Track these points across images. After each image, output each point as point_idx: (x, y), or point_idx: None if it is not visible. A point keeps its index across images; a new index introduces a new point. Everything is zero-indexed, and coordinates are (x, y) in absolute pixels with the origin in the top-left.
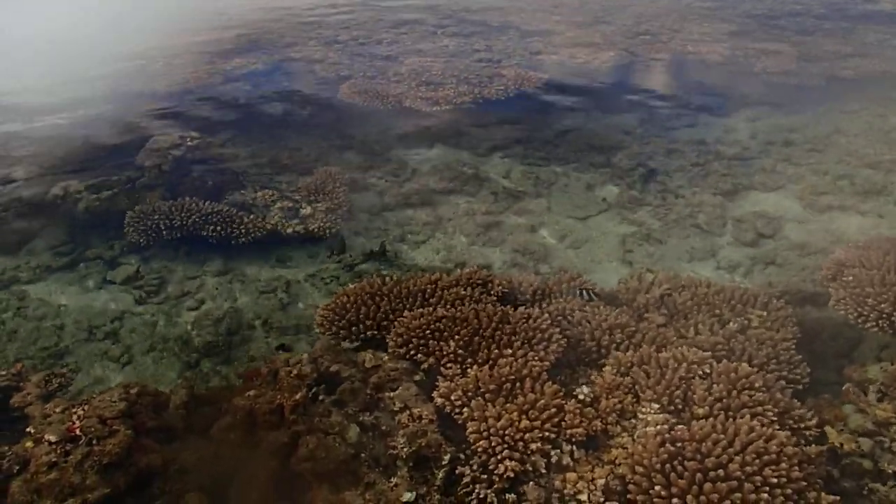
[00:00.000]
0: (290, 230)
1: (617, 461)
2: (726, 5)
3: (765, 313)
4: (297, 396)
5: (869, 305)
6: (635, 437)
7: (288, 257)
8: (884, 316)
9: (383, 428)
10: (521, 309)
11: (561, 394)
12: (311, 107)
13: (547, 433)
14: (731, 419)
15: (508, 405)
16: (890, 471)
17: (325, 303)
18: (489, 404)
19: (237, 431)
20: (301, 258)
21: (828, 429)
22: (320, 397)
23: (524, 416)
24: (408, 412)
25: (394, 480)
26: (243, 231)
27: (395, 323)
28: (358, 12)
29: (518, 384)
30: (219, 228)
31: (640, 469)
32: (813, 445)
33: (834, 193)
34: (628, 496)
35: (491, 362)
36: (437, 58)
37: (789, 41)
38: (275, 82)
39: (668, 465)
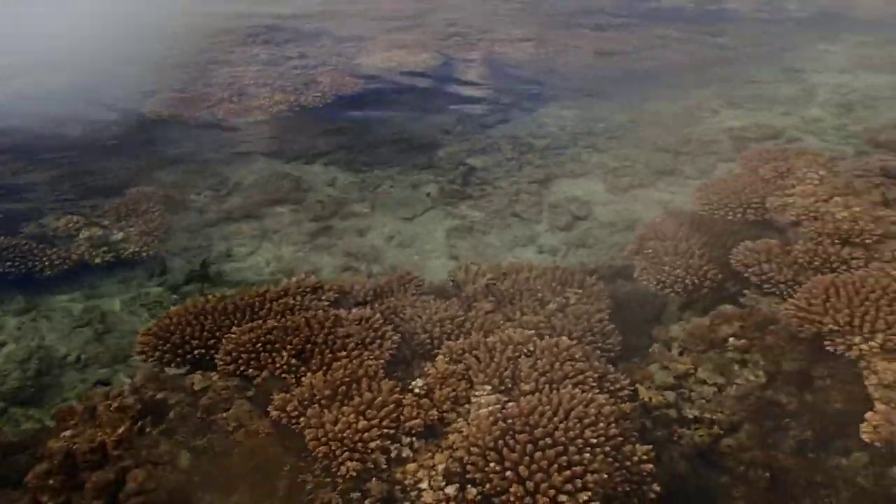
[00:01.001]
0: (99, 259)
1: (454, 445)
2: (528, 7)
3: (581, 290)
4: (120, 430)
5: (666, 273)
6: (470, 420)
7: (101, 286)
8: (679, 280)
9: (217, 449)
10: (355, 311)
11: (398, 389)
12: (116, 126)
13: (386, 430)
14: (555, 390)
15: (345, 408)
16: (691, 416)
17: (146, 328)
18: (326, 410)
19: (56, 476)
20: (116, 285)
21: (639, 387)
22: (147, 429)
23: (362, 417)
24: (243, 430)
25: (234, 498)
26: (47, 263)
27: (223, 340)
28: None
29: (354, 385)
30: (17, 264)
31: (475, 449)
32: (627, 403)
33: (633, 175)
34: (467, 476)
35: (325, 367)
36: (248, 66)
37: (587, 38)
38: (68, 103)
39: (500, 441)
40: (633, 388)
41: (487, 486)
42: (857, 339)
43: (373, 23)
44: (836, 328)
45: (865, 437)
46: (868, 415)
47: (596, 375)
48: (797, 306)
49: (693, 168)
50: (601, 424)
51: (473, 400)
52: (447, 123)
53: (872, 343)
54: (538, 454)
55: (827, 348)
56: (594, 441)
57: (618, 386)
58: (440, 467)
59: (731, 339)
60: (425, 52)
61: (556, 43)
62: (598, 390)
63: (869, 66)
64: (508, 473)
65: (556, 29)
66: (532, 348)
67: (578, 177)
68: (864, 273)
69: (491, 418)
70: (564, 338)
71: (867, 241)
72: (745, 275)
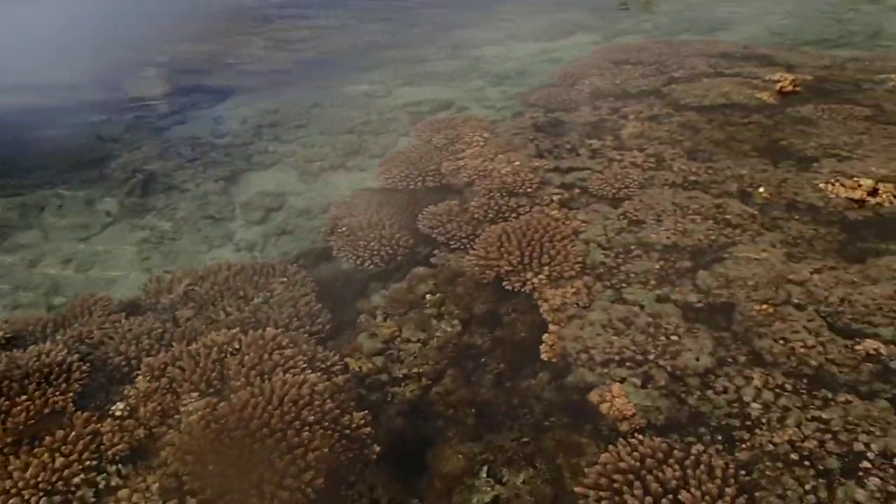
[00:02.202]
0: None
1: (168, 461)
2: (192, 10)
3: (285, 279)
4: None
5: (361, 247)
6: (181, 430)
7: None
8: (375, 252)
9: None
10: (32, 348)
11: (94, 418)
12: None
13: (88, 462)
14: (266, 380)
15: (36, 450)
16: (401, 375)
17: None
18: (12, 457)
19: None
20: None
21: (349, 359)
22: None
23: (58, 455)
24: None
25: None
26: None
27: None
28: None
29: (42, 426)
30: None
31: (190, 457)
32: (340, 377)
33: (322, 160)
34: (185, 487)
35: (4, 415)
36: None
37: (258, 31)
38: None
39: (216, 443)
40: (344, 361)
41: (208, 491)
42: (529, 275)
43: None
44: (510, 269)
45: (544, 357)
46: (544, 336)
47: (306, 358)
48: (477, 256)
49: (377, 146)
50: (316, 402)
51: (182, 410)
52: (114, 132)
53: (541, 276)
54: (257, 445)
55: (506, 287)
56: (312, 419)
57: (329, 363)
58: (154, 487)
59: (427, 296)
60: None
61: (227, 38)
62: (310, 371)
63: (519, 38)
64: (229, 472)
65: (225, 24)
66: (238, 346)
67: (268, 168)
68: (528, 217)
69: (202, 422)
70: (270, 328)
71: (529, 190)
72: (433, 236)
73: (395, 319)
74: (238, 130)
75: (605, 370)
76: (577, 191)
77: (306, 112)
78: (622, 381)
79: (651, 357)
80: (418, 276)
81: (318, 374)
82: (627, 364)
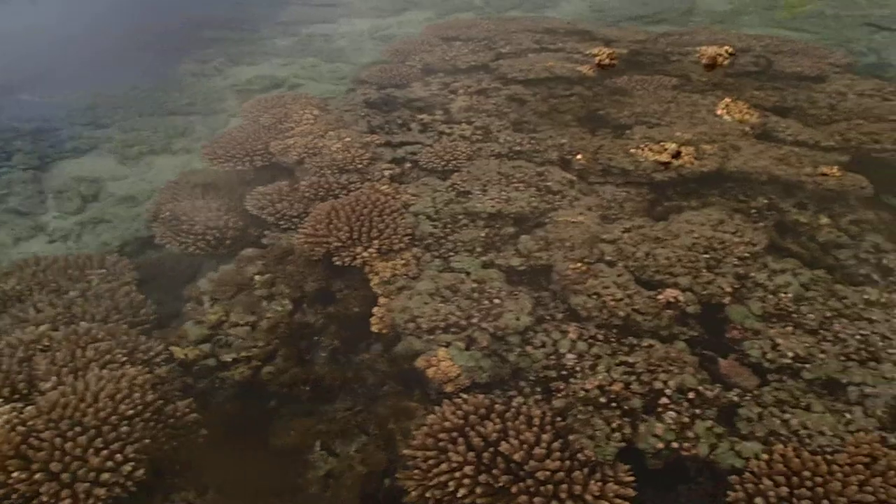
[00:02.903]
0: None
1: None
2: None
3: (103, 270)
4: None
5: (186, 231)
6: None
7: None
8: (201, 237)
9: None
10: None
11: None
12: None
13: None
14: (80, 377)
15: None
16: (229, 359)
17: None
18: None
19: None
20: None
21: (173, 348)
22: None
23: None
24: None
25: None
26: None
27: None
28: None
29: None
30: None
31: None
32: (164, 367)
33: (144, 144)
34: None
35: None
36: None
37: None
38: None
39: (23, 447)
40: (168, 350)
41: (14, 496)
42: (359, 250)
43: None
44: (340, 244)
45: (374, 329)
46: (374, 310)
47: (126, 350)
48: (306, 233)
49: (205, 128)
50: (136, 395)
51: None
52: None
53: (371, 250)
54: (69, 444)
55: (336, 263)
56: (131, 413)
57: (152, 354)
58: None
59: (256, 277)
60: None
61: None
62: (129, 364)
63: (352, 14)
64: (38, 476)
65: None
66: (48, 343)
67: (83, 154)
68: (358, 193)
69: (7, 427)
70: (83, 323)
71: (359, 166)
72: (263, 217)
73: (222, 304)
74: (47, 116)
75: (432, 337)
76: (408, 165)
77: (125, 94)
78: (447, 345)
79: (475, 321)
80: (247, 258)
81: (139, 366)
82: (452, 329)
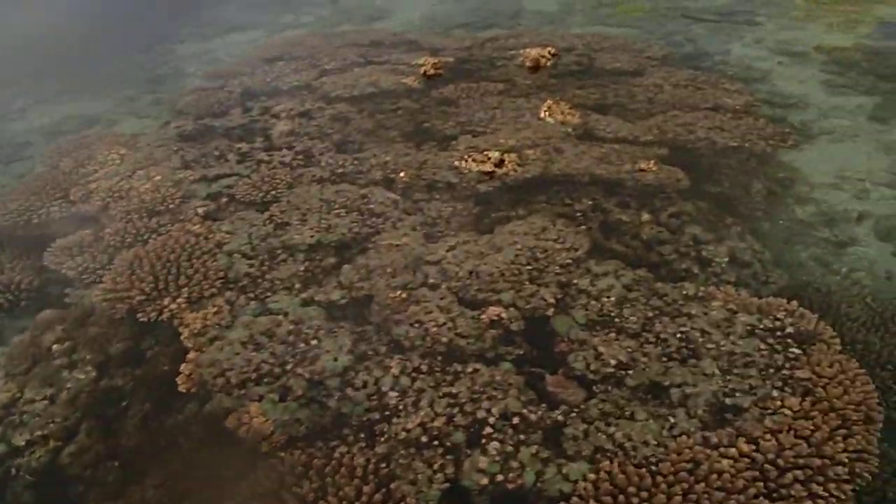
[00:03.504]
0: None
1: None
2: None
3: None
4: None
5: None
6: None
7: None
8: None
9: None
10: None
11: None
12: None
13: None
14: None
15: None
16: (23, 442)
17: None
18: None
19: None
20: None
21: None
22: None
23: None
24: None
25: None
26: None
27: None
28: None
29: None
30: None
31: None
32: None
33: None
34: None
35: None
36: None
37: None
38: None
39: None
40: None
41: None
42: (166, 301)
43: None
44: (144, 297)
45: (182, 389)
46: (182, 367)
47: None
48: (105, 289)
49: (5, 177)
50: None
51: None
52: None
53: (179, 300)
54: None
55: (142, 319)
56: None
57: None
58: None
59: (54, 346)
60: None
61: None
62: None
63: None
64: None
65: None
66: None
67: None
68: (165, 237)
69: None
70: None
71: (171, 206)
72: (64, 272)
73: (16, 380)
74: None
75: (243, 391)
76: (224, 200)
77: None
78: (260, 399)
79: (289, 367)
80: (45, 322)
81: None
82: (266, 380)
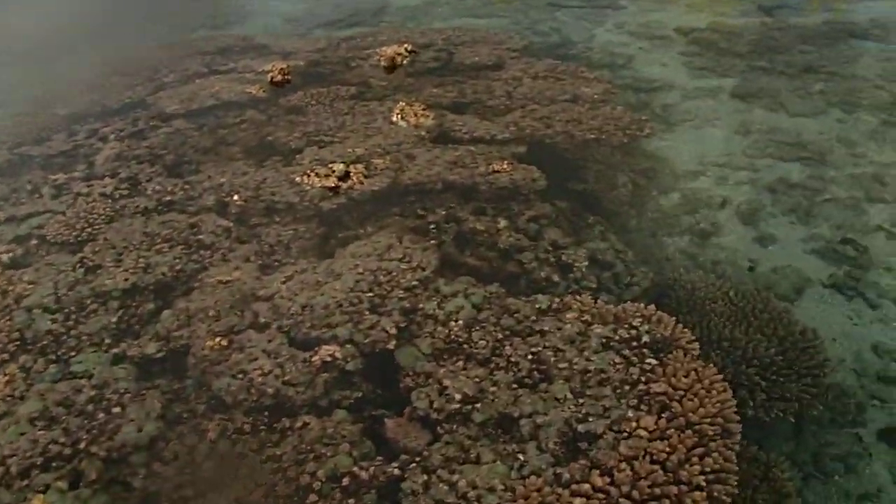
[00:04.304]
0: None
1: None
2: None
3: None
4: None
5: None
6: None
7: None
8: None
9: None
10: None
11: None
12: None
13: None
14: None
15: None
16: None
17: None
18: None
19: None
20: None
21: None
22: None
23: None
24: None
25: None
26: None
27: None
28: None
29: None
30: None
31: None
32: None
33: None
34: None
35: None
36: None
37: None
38: None
39: None
40: None
41: None
42: None
43: None
44: None
45: None
46: None
47: None
48: None
49: None
50: None
51: None
52: None
53: None
54: None
55: None
56: None
57: None
58: None
59: None
60: None
61: None
62: None
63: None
64: None
65: None
66: None
67: None
68: None
69: None
70: None
71: None
72: None
73: None
74: None
75: (25, 482)
76: (33, 242)
77: None
78: (45, 490)
79: (83, 445)
80: None
81: None
82: (54, 465)
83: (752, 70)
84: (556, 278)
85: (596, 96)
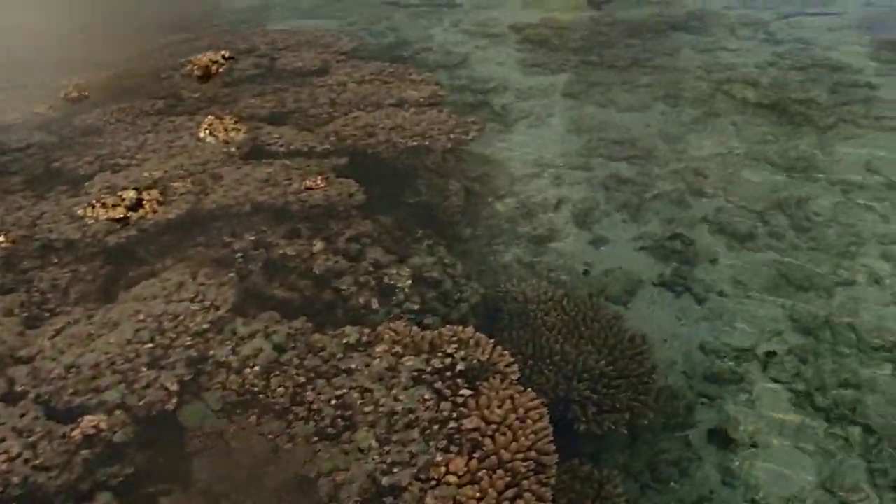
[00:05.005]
0: None
1: None
2: None
3: None
4: None
5: None
6: None
7: None
8: None
9: None
10: None
11: None
12: None
13: None
14: None
15: None
16: None
17: None
18: None
19: None
20: None
21: None
22: None
23: None
24: None
25: None
26: None
27: None
28: None
29: None
30: None
31: None
32: None
33: None
34: None
35: None
36: None
37: None
38: None
39: None
40: None
41: None
42: None
43: None
44: None
45: None
46: None
47: None
48: None
49: None
50: None
51: None
52: None
53: None
54: None
55: None
56: None
57: None
58: None
59: None
60: None
61: None
62: None
63: None
64: None
65: None
66: None
67: None
68: None
69: None
70: None
71: None
72: None
73: None
74: None
75: None
76: None
77: None
78: None
79: None
80: None
81: None
82: None
83: (583, 65)
84: (375, 304)
85: (422, 99)
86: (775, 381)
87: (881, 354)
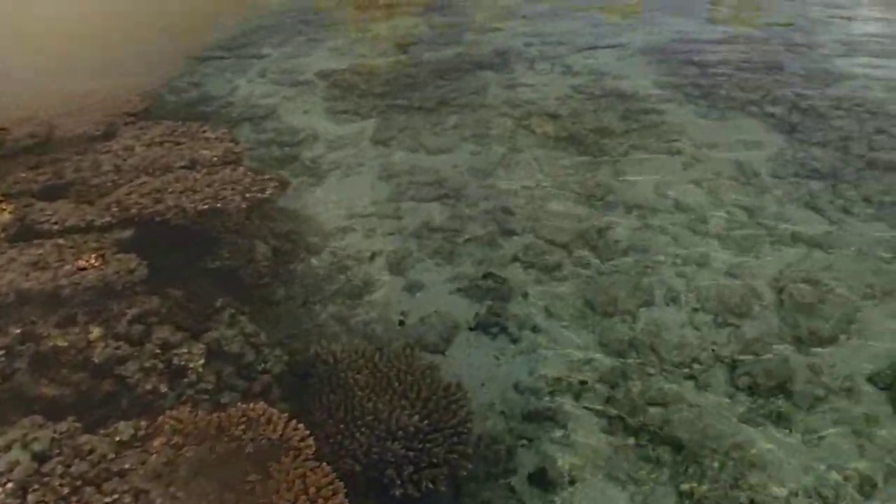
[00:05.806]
0: None
1: None
2: None
3: None
4: None
5: None
6: None
7: None
8: None
9: None
10: None
11: None
12: None
13: None
14: None
15: None
16: None
17: None
18: None
19: None
20: None
21: None
22: None
23: None
24: None
25: None
26: None
27: None
28: None
29: None
30: None
31: None
32: None
33: None
34: None
35: None
36: None
37: None
38: None
39: None
40: None
41: None
42: None
43: None
44: None
45: None
46: None
47: None
48: None
49: None
50: None
51: None
52: None
53: None
54: None
55: None
56: None
57: None
58: None
59: None
60: None
61: None
62: None
63: None
64: None
65: None
66: None
67: None
68: None
69: None
70: None
71: None
72: None
73: None
74: None
75: None
76: None
77: None
78: None
79: None
80: None
81: None
82: None
83: (391, 109)
84: (163, 388)
85: (216, 158)
86: (588, 409)
87: (682, 371)
